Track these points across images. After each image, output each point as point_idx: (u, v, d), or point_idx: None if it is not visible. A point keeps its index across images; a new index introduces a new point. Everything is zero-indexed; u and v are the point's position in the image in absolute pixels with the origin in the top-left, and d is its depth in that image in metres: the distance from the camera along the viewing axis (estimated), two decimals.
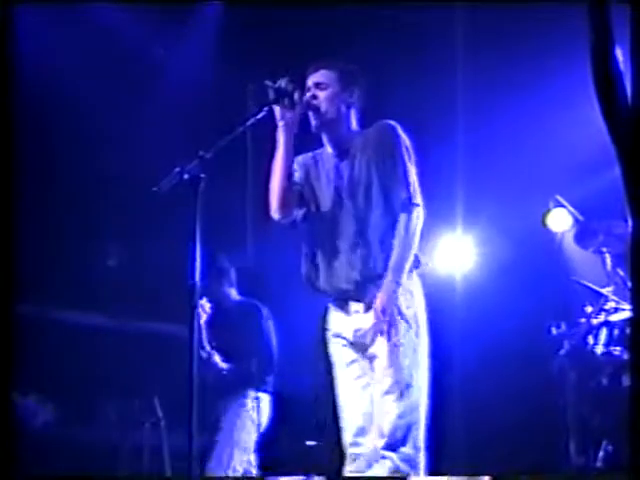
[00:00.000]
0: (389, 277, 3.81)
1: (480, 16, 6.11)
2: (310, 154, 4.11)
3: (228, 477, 5.30)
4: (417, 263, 3.95)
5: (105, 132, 6.45)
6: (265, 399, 5.52)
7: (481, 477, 4.38)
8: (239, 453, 5.39)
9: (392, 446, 3.77)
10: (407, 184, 3.89)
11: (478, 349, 6.10)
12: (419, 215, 3.89)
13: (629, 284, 4.31)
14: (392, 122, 3.97)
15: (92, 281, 6.53)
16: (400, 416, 3.78)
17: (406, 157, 3.91)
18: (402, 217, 3.86)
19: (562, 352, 5.68)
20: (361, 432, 3.91)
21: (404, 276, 3.83)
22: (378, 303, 3.79)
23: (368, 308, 3.88)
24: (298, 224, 4.06)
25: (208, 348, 5.41)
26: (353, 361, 3.96)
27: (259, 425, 5.46)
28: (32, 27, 5.89)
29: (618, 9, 2.32)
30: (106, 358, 6.28)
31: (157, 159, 5.82)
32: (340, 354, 4.01)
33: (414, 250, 3.88)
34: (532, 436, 5.91)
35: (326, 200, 4.00)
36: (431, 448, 3.89)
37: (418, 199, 3.90)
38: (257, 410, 5.46)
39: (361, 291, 3.91)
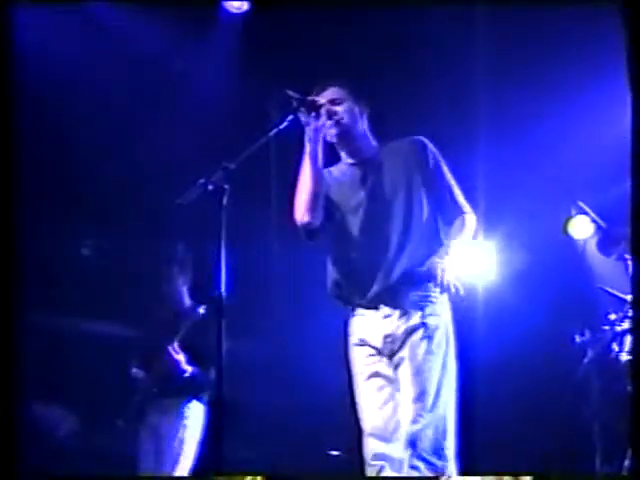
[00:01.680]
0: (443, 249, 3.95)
1: (504, 22, 6.09)
2: (326, 169, 4.13)
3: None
4: (448, 288, 3.94)
5: (119, 142, 6.37)
6: (200, 407, 5.40)
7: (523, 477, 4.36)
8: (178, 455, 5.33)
9: (420, 455, 3.78)
10: (453, 195, 4.05)
11: (502, 357, 6.08)
12: (470, 221, 4.05)
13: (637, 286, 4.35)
14: (423, 138, 4.09)
15: (109, 291, 6.52)
16: (427, 425, 3.80)
17: (445, 169, 4.06)
18: (456, 222, 4.03)
19: (586, 360, 5.67)
20: (384, 440, 3.91)
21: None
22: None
23: (403, 314, 3.90)
24: (321, 235, 4.07)
25: (176, 346, 5.29)
26: (378, 368, 3.98)
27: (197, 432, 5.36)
28: (33, 27, 5.71)
29: None
30: (123, 366, 6.28)
31: (177, 169, 5.87)
32: (364, 361, 4.02)
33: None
34: (557, 444, 5.89)
35: (353, 210, 4.05)
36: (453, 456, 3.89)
37: (466, 207, 4.07)
38: (200, 417, 5.37)
39: (395, 295, 3.93)
